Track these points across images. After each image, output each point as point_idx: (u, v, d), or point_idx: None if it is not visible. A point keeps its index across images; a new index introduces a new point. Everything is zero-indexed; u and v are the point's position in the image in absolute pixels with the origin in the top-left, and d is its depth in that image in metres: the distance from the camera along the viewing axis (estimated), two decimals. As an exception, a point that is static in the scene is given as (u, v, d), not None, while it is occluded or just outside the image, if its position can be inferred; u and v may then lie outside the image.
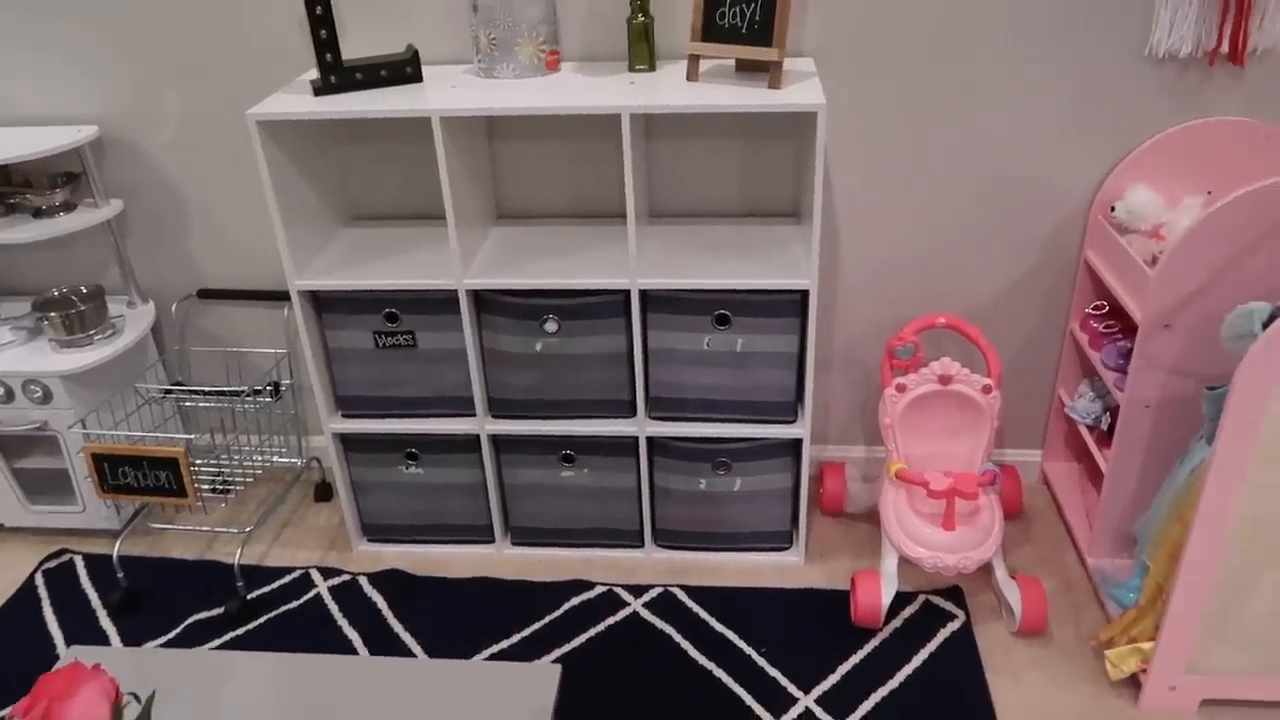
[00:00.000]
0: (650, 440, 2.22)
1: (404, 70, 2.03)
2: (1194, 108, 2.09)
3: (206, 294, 2.50)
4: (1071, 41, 2.05)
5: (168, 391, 2.46)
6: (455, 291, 2.07)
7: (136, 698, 1.01)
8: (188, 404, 2.58)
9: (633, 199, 1.94)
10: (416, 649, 2.14)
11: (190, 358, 2.59)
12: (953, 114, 2.15)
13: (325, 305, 2.14)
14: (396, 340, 2.16)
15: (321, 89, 1.98)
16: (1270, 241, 1.78)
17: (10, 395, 2.27)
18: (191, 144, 2.33)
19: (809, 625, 2.15)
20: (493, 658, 2.10)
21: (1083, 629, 2.12)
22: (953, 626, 2.13)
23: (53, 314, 2.27)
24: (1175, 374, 1.95)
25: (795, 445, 2.21)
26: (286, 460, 2.59)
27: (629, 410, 2.20)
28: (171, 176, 2.37)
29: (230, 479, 2.47)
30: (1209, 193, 2.10)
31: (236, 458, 2.51)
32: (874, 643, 2.10)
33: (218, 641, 2.17)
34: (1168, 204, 2.10)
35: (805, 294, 2.01)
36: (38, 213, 2.29)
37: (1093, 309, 2.26)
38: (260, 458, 2.53)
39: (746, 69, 2.02)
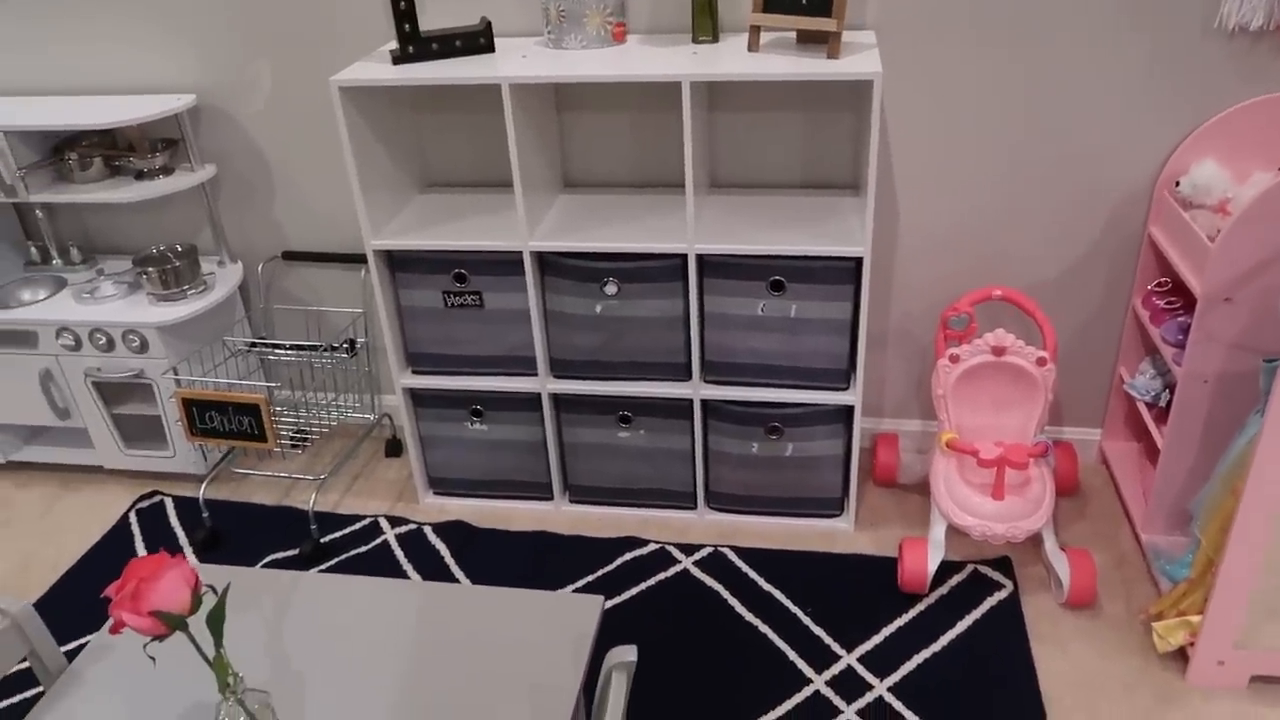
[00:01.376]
0: (704, 403, 2.28)
1: (478, 41, 2.13)
2: (1266, 82, 2.06)
3: (290, 255, 2.64)
4: (1140, 13, 2.04)
5: (252, 345, 2.62)
6: (520, 254, 2.16)
7: (214, 589, 1.12)
8: (270, 358, 2.74)
9: (691, 166, 2.00)
10: (476, 594, 2.25)
11: (274, 315, 2.75)
12: (1016, 87, 2.15)
13: (399, 265, 2.26)
14: (464, 300, 2.26)
15: (400, 58, 2.09)
16: (1336, 215, 1.76)
17: (111, 344, 2.44)
18: (280, 114, 2.47)
19: (856, 589, 2.20)
20: (547, 605, 2.19)
21: (1133, 604, 2.11)
22: (1000, 595, 2.15)
23: (151, 269, 2.44)
24: (1235, 349, 1.93)
25: (847, 412, 2.25)
26: (360, 416, 2.73)
27: (685, 373, 2.27)
28: (261, 144, 2.52)
29: (307, 430, 2.61)
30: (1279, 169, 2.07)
31: (314, 410, 2.65)
32: (919, 608, 2.13)
33: (292, 579, 2.31)
34: (1236, 180, 2.07)
35: (859, 261, 2.05)
36: (139, 175, 2.45)
37: (1156, 286, 2.24)
38: (336, 412, 2.67)
39: (807, 40, 2.06)
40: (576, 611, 1.43)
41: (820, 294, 2.11)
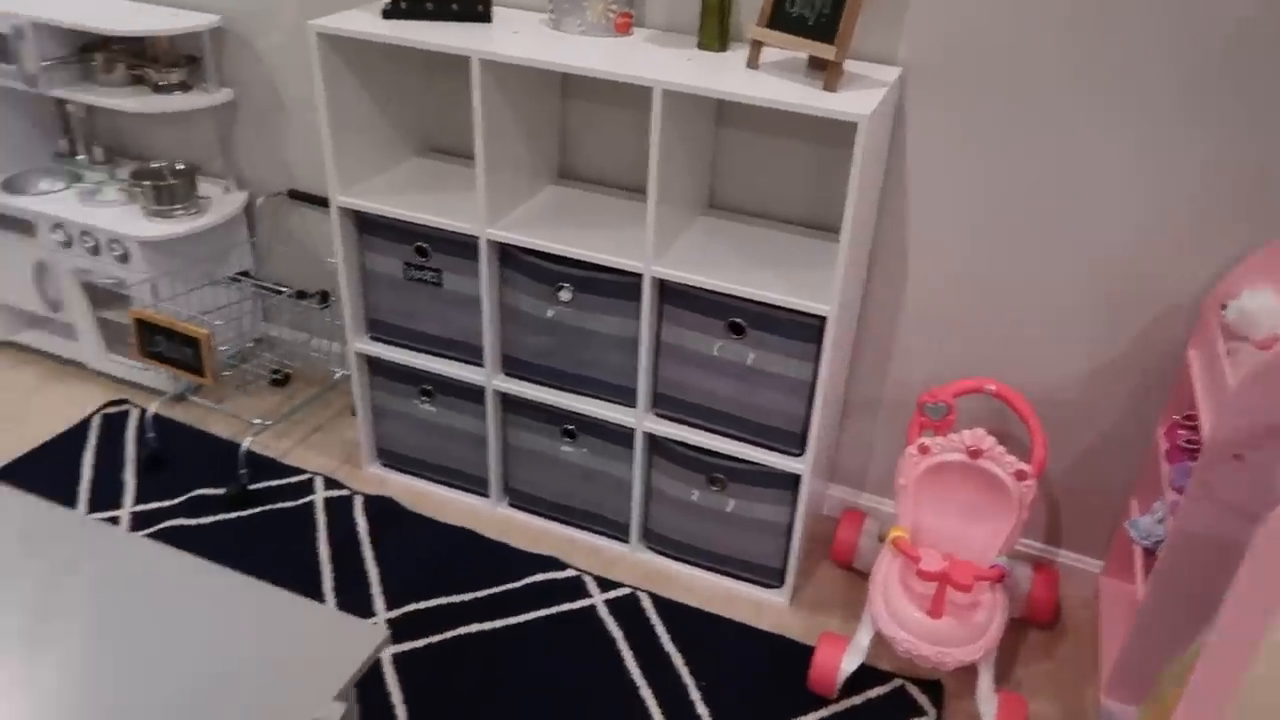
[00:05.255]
0: (648, 436, 2.11)
1: (475, 8, 1.99)
2: (1360, 207, 1.71)
3: (296, 195, 2.59)
4: (1214, 106, 1.72)
5: (234, 278, 2.59)
6: (476, 239, 2.03)
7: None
8: (250, 291, 2.70)
9: (655, 181, 1.82)
10: (374, 578, 2.15)
11: (271, 250, 2.71)
12: (1058, 164, 1.86)
13: (365, 226, 2.17)
14: (423, 275, 2.15)
15: (390, 12, 1.98)
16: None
17: (97, 249, 2.46)
18: (298, 49, 2.41)
19: (763, 673, 1.99)
20: (435, 609, 2.08)
21: (1064, 772, 1.83)
22: (915, 723, 1.90)
23: (145, 183, 2.43)
24: (1237, 513, 1.62)
25: (796, 480, 2.03)
26: (332, 368, 2.67)
27: (631, 399, 2.09)
28: (280, 79, 2.47)
29: (285, 369, 2.57)
30: (1358, 312, 1.71)
31: (287, 350, 2.60)
32: (821, 713, 1.91)
33: (209, 519, 2.27)
34: (1299, 315, 1.74)
35: (825, 320, 1.82)
36: (157, 88, 2.44)
37: (1184, 418, 1.92)
38: (312, 357, 2.62)
39: (817, 65, 1.83)
40: (350, 640, 1.30)
41: (781, 347, 1.89)
